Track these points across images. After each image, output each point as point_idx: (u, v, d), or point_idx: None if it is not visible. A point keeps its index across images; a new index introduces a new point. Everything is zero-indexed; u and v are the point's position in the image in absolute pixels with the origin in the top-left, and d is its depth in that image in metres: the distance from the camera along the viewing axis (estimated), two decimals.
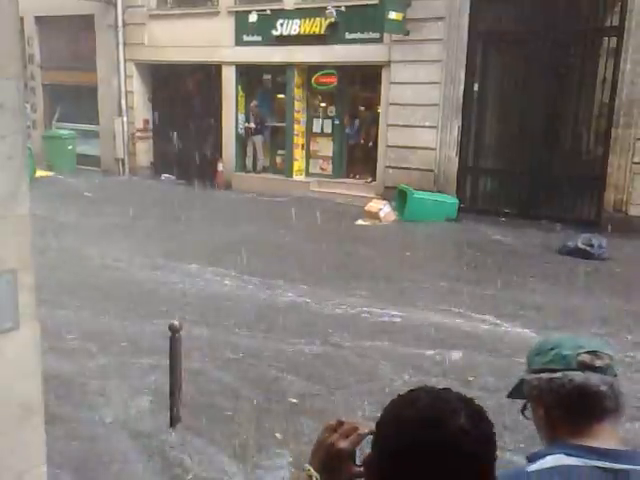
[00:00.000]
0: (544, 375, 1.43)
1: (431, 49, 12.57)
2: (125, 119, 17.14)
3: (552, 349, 1.45)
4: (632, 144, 10.83)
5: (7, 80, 2.04)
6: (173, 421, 4.15)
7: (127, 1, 16.64)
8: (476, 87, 12.59)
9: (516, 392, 1.56)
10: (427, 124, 12.75)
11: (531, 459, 1.41)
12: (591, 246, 9.04)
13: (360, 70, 14.29)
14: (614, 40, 11.18)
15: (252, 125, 15.41)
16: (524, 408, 1.53)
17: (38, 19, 17.67)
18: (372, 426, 1.17)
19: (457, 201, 12.19)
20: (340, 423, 1.21)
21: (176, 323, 3.92)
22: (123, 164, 17.45)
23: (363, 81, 14.67)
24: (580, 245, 9.05)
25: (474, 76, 12.54)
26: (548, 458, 1.37)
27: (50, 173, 16.20)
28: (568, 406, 1.40)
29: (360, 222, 11.72)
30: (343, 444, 1.17)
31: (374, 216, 11.72)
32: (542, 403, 1.44)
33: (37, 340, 2.29)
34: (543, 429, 1.47)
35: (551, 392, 1.41)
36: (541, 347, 1.48)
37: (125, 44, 16.75)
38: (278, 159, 15.77)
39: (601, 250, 9.06)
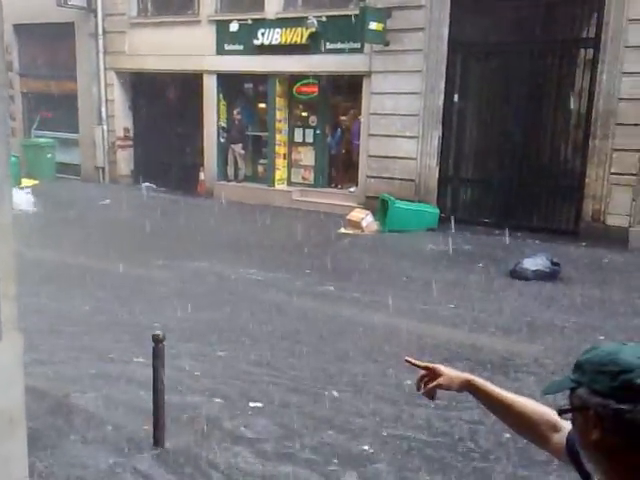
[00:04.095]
0: (612, 403, 1.24)
1: (411, 59, 12.67)
2: (105, 127, 17.04)
3: (620, 373, 1.25)
4: (609, 155, 10.99)
5: None
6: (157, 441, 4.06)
7: (107, 9, 16.57)
8: (456, 98, 12.70)
9: (555, 391, 1.40)
10: (408, 134, 12.83)
11: None
12: (550, 265, 8.61)
13: (341, 80, 14.36)
14: (590, 51, 11.38)
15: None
16: (564, 412, 1.38)
17: (17, 27, 17.47)
18: None
19: (438, 211, 12.28)
20: None
21: (159, 333, 3.80)
22: (103, 172, 17.33)
23: (344, 91, 14.73)
24: (530, 267, 8.55)
25: (454, 87, 12.66)
26: None
27: (35, 182, 16.05)
28: (636, 442, 1.22)
29: (342, 231, 11.74)
30: None
31: (356, 225, 11.76)
32: (600, 428, 1.26)
33: (20, 351, 2.26)
34: (595, 454, 1.31)
35: (617, 423, 1.23)
36: (606, 366, 1.28)
37: (105, 52, 16.67)
38: (260, 168, 15.77)
39: (553, 269, 8.61)
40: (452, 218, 12.27)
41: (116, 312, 6.85)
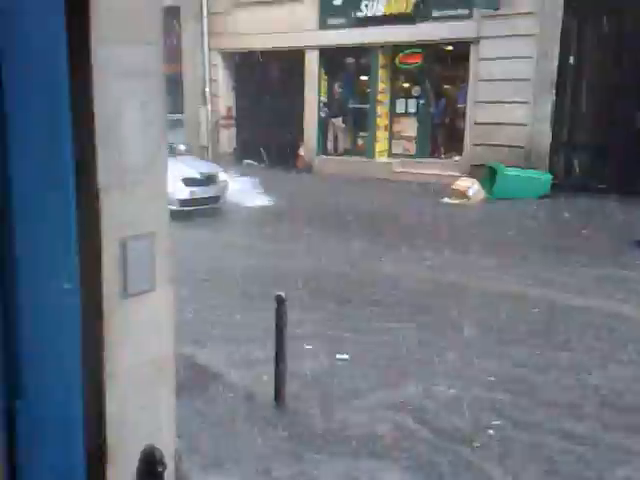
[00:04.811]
0: None
1: (523, 23, 12.12)
2: (209, 107, 17.48)
3: None
4: None
5: (150, 45, 2.06)
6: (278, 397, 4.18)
7: None
8: (571, 60, 12.06)
9: None
10: (518, 99, 12.32)
11: None
12: None
13: (447, 48, 13.95)
14: None
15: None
16: None
17: None
18: None
19: (550, 177, 11.73)
20: None
21: (282, 294, 3.96)
22: (207, 151, 17.85)
23: (449, 59, 14.28)
24: None
25: (569, 49, 12.04)
26: None
27: None
28: None
29: (447, 200, 11.46)
30: None
31: (462, 195, 11.46)
32: None
33: (171, 303, 2.33)
34: None
35: None
36: None
37: (209, 33, 17.04)
38: (360, 141, 15.67)
39: None
40: (566, 185, 11.71)
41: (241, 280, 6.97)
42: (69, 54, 1.99)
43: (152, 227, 2.18)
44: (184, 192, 10.48)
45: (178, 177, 10.44)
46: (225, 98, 17.57)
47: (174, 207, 10.11)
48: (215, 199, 11.12)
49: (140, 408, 2.17)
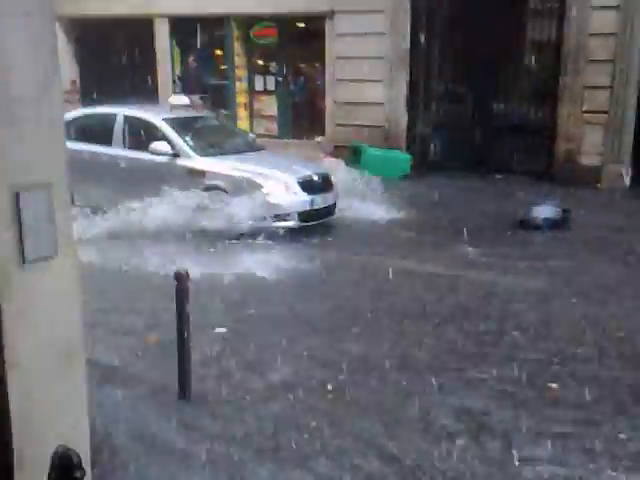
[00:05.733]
0: None
1: None
2: None
3: None
4: (581, 93, 10.86)
5: None
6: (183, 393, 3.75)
7: None
8: (422, 39, 12.28)
9: None
10: (374, 78, 12.36)
11: None
12: (562, 213, 8.19)
13: (302, 22, 13.73)
14: None
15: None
16: None
17: None
18: None
19: (410, 157, 11.98)
20: None
21: (182, 271, 3.43)
22: None
23: (306, 34, 14.05)
24: (540, 215, 8.10)
25: (420, 26, 12.16)
26: None
27: None
28: None
29: None
30: None
31: None
32: None
33: (76, 269, 1.91)
34: None
35: None
36: None
37: None
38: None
39: (564, 216, 8.19)
40: (423, 164, 12.04)
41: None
42: None
43: (49, 176, 1.75)
44: (305, 201, 7.78)
45: (290, 178, 7.82)
46: (67, 71, 16.01)
47: (291, 223, 7.63)
48: (332, 210, 8.38)
49: (49, 403, 1.77)
